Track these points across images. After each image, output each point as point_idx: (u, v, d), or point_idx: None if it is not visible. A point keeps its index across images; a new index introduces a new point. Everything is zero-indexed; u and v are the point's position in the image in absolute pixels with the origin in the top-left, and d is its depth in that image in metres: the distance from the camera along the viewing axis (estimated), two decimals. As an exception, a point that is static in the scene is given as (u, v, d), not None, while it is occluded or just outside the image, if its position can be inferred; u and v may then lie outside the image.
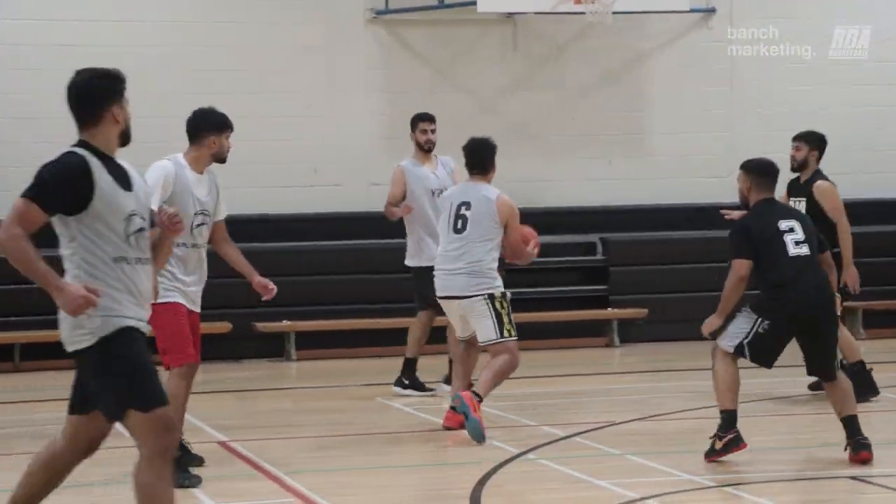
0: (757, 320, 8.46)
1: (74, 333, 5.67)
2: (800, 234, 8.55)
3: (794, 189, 11.14)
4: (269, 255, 13.72)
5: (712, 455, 8.51)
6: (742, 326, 8.52)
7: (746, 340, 8.46)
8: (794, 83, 16.47)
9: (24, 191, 5.61)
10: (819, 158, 11.12)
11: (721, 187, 15.31)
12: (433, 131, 11.71)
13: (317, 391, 12.76)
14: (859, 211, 15.89)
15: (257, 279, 8.43)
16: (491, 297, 9.60)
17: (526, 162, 15.72)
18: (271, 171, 15.21)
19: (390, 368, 12.02)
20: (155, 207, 6.32)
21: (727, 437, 8.45)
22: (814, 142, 11.14)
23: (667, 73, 16.29)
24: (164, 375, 6.20)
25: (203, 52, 15.21)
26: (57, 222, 5.67)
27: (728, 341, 8.55)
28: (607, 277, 15.67)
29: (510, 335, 9.56)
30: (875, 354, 14.17)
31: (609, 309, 15.51)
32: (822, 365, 8.56)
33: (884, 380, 11.12)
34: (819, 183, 10.98)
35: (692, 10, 15.89)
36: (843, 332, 10.43)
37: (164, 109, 13.62)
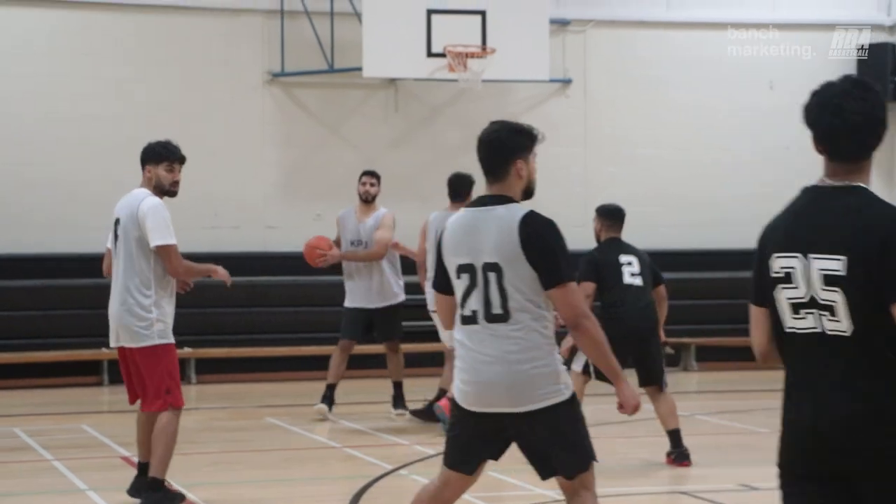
0: None
1: (550, 387, 5.18)
2: (636, 268, 9.13)
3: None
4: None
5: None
6: None
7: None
8: (643, 146, 16.75)
9: (562, 275, 5.19)
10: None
11: (578, 234, 15.48)
12: (371, 185, 11.98)
13: (215, 411, 12.70)
14: (700, 259, 16.44)
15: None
16: None
17: (405, 212, 15.75)
18: (176, 214, 15.08)
19: (281, 392, 12.01)
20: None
21: (679, 450, 9.08)
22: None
23: (530, 134, 16.46)
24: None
25: (121, 105, 15.09)
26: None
27: (577, 364, 9.06)
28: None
29: None
30: (707, 384, 14.52)
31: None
32: (651, 375, 9.07)
33: (715, 406, 11.33)
34: None
35: (552, 80, 16.12)
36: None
37: (81, 159, 13.59)
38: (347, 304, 11.64)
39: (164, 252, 7.58)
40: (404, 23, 14.84)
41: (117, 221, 7.73)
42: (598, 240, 9.53)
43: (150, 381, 7.52)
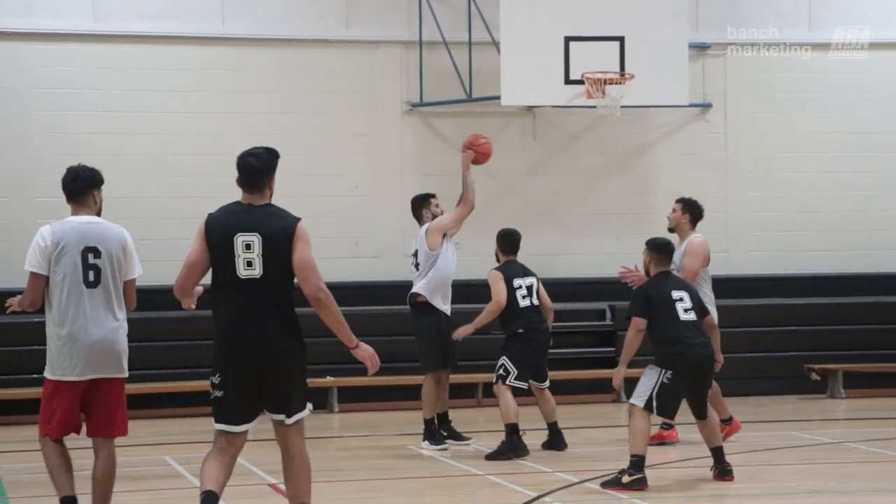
0: (661, 372, 9.17)
1: None
2: (688, 303, 9.35)
3: None
4: (316, 319, 13.78)
5: (613, 486, 9.08)
6: (648, 382, 9.20)
7: (654, 392, 9.11)
8: (784, 170, 16.55)
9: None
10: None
11: (719, 261, 15.36)
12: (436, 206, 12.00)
13: (357, 439, 12.81)
14: (846, 284, 16.17)
15: None
16: None
17: (544, 238, 15.84)
18: (318, 244, 15.30)
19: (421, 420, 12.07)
20: None
21: (636, 476, 9.04)
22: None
23: (669, 160, 16.41)
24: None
25: (264, 139, 15.27)
26: None
27: (638, 398, 9.19)
28: (615, 340, 15.75)
29: None
30: (854, 411, 14.22)
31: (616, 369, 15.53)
32: (700, 407, 9.38)
33: (865, 434, 11.10)
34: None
35: (691, 105, 16.03)
36: (505, 397, 10.77)
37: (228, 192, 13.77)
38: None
39: (133, 284, 7.58)
40: (542, 51, 14.89)
41: (92, 250, 7.38)
42: (647, 273, 9.74)
43: (119, 409, 7.49)
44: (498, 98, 15.08)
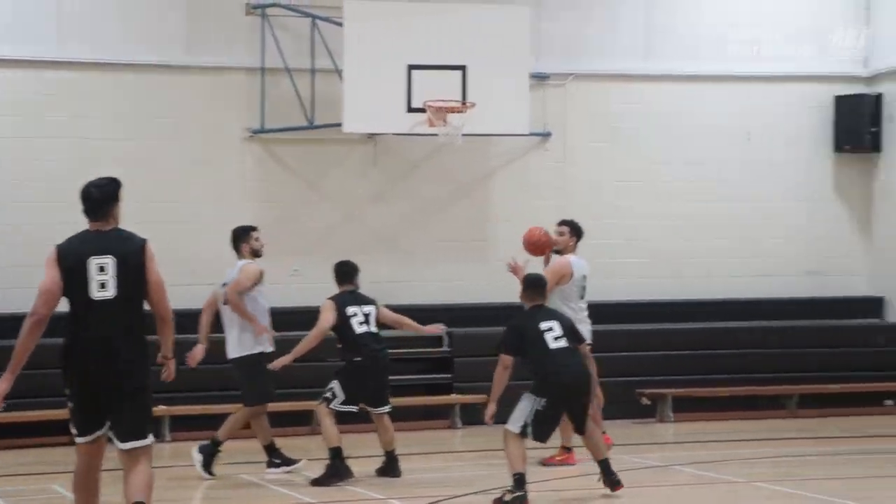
0: (535, 399, 9.60)
1: None
2: (557, 331, 9.73)
3: None
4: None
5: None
6: (524, 409, 9.61)
7: (530, 419, 9.54)
8: (621, 199, 16.88)
9: None
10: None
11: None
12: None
13: (189, 469, 12.68)
14: (678, 310, 16.58)
15: None
16: None
17: (384, 265, 15.91)
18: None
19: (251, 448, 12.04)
20: None
21: (517, 493, 9.48)
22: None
23: (509, 188, 16.60)
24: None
25: (103, 165, 15.15)
26: None
27: (514, 425, 9.63)
28: (452, 367, 15.83)
29: None
30: (683, 435, 14.56)
31: (452, 395, 15.66)
32: (579, 424, 9.84)
33: (692, 457, 11.35)
34: None
35: (531, 134, 16.26)
36: (326, 421, 10.89)
37: (71, 217, 13.65)
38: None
39: None
40: (385, 78, 14.99)
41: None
42: (524, 307, 10.13)
43: None
44: (340, 125, 15.13)
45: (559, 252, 11.99)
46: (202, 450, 11.51)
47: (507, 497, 9.51)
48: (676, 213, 16.99)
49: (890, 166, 17.27)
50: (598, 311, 16.36)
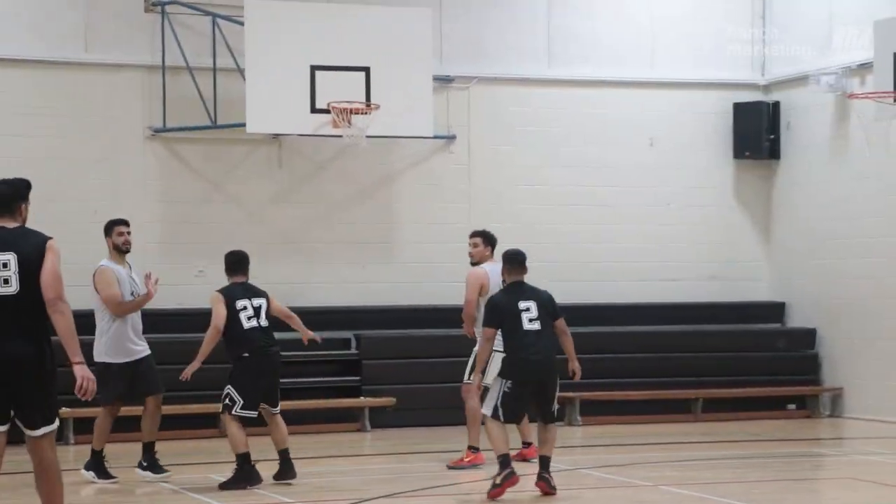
0: (502, 382, 9.91)
1: None
2: (533, 313, 9.97)
3: None
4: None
5: (494, 490, 9.79)
6: (493, 392, 9.97)
7: (499, 402, 9.86)
8: (525, 202, 16.88)
9: None
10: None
11: (458, 291, 15.55)
12: (129, 233, 11.33)
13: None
14: (583, 314, 16.60)
15: None
16: None
17: (289, 266, 15.77)
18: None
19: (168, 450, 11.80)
20: None
21: (504, 472, 9.76)
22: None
23: (414, 190, 16.53)
24: None
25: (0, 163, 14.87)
26: None
27: (487, 408, 9.98)
28: (360, 369, 15.73)
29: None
30: (590, 438, 14.62)
31: (361, 398, 15.56)
32: (544, 413, 10.08)
33: (598, 461, 11.38)
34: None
35: (436, 137, 16.19)
36: (232, 427, 10.63)
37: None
38: None
39: None
40: (288, 79, 14.85)
41: None
42: (503, 282, 10.40)
43: None
44: (243, 125, 14.94)
45: (475, 264, 11.88)
46: (88, 467, 11.17)
47: (497, 480, 9.78)
48: (581, 218, 17.03)
49: (787, 173, 17.49)
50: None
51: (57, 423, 7.07)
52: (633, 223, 17.24)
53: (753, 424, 15.66)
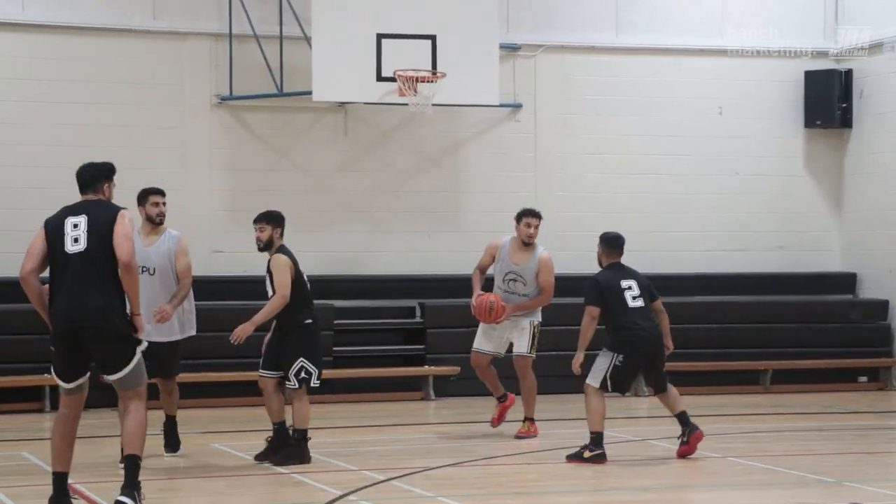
0: (613, 356, 10.11)
1: None
2: (636, 291, 10.26)
3: None
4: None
5: (576, 459, 10.01)
6: (602, 364, 10.12)
7: (608, 374, 10.06)
8: (591, 171, 16.70)
9: None
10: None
11: (526, 260, 15.45)
12: (164, 204, 10.57)
13: (152, 438, 12.41)
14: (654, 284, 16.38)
15: None
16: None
17: (354, 234, 15.74)
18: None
19: (224, 417, 11.81)
20: None
21: (596, 452, 10.01)
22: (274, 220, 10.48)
23: (480, 158, 16.43)
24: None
25: (67, 129, 14.89)
26: None
27: (594, 379, 10.12)
28: (424, 338, 15.66)
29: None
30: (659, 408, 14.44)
31: (425, 366, 15.49)
32: (658, 382, 10.48)
33: (665, 432, 11.27)
34: None
35: (502, 105, 16.05)
36: (305, 402, 9.98)
37: (36, 179, 13.58)
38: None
39: None
40: (354, 47, 14.78)
41: None
42: (600, 265, 10.60)
43: None
44: (309, 93, 14.90)
45: (526, 244, 11.92)
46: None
47: (586, 454, 10.00)
48: (647, 187, 16.83)
49: (860, 142, 17.17)
50: (572, 286, 16.32)
51: (132, 366, 7.69)
52: (702, 192, 17.01)
53: (824, 397, 15.44)
